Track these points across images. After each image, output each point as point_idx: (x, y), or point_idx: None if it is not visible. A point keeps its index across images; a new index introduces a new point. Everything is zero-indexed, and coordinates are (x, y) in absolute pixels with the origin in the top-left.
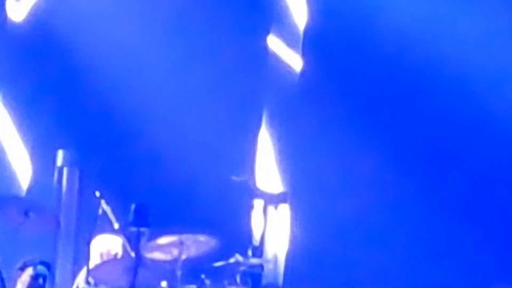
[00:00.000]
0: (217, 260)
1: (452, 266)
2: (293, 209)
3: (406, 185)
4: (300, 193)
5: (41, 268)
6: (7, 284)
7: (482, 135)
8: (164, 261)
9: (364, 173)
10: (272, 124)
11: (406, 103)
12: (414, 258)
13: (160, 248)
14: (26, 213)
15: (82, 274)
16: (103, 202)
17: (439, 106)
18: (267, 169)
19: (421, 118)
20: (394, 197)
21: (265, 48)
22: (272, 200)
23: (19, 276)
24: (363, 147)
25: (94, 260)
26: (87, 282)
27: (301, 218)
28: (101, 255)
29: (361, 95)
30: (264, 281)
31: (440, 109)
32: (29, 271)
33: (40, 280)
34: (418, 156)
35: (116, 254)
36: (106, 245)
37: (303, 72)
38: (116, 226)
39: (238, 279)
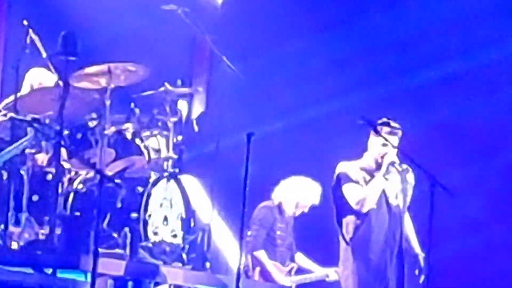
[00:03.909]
0: (146, 90)
1: None
2: None
3: None
4: None
5: None
6: None
7: None
8: (93, 91)
9: None
10: None
11: None
12: None
13: (88, 77)
14: None
15: (8, 102)
16: (31, 31)
17: None
18: None
19: None
20: None
21: None
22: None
23: None
24: None
25: (24, 91)
26: (15, 111)
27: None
28: (31, 87)
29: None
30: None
31: None
32: None
33: None
34: None
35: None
36: (39, 78)
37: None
38: (44, 55)
39: (167, 108)
